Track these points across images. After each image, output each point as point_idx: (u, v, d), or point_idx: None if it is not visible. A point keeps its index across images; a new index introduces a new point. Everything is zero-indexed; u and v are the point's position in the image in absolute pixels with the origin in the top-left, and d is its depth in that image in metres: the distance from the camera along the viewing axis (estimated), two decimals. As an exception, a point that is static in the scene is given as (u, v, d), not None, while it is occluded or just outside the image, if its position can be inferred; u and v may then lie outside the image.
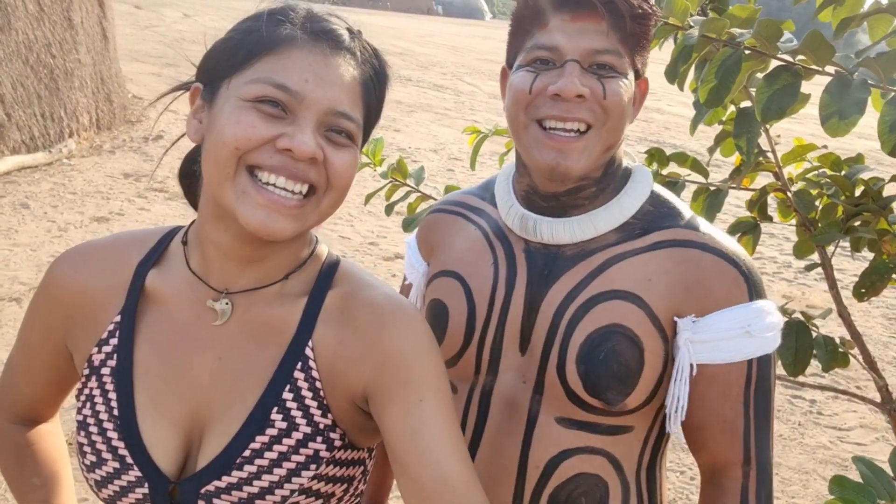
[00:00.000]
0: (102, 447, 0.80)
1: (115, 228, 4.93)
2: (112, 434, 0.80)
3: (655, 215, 0.96)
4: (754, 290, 0.91)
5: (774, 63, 1.16)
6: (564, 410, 0.95)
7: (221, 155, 0.73)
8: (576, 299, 0.93)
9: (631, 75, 0.93)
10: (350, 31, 0.79)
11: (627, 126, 0.95)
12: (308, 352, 0.80)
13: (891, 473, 1.07)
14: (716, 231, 0.95)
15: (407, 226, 1.58)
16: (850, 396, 1.56)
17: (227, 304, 0.80)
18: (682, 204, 0.99)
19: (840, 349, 1.44)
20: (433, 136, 8.90)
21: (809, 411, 3.44)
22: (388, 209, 1.65)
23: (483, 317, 0.99)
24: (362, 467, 0.87)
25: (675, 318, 0.91)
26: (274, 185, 0.73)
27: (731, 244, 0.94)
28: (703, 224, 0.96)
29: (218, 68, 0.78)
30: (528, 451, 0.96)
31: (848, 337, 1.55)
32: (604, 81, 0.89)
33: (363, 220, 5.63)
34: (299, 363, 0.80)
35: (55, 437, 0.98)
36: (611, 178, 0.97)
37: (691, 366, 0.91)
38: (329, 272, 0.84)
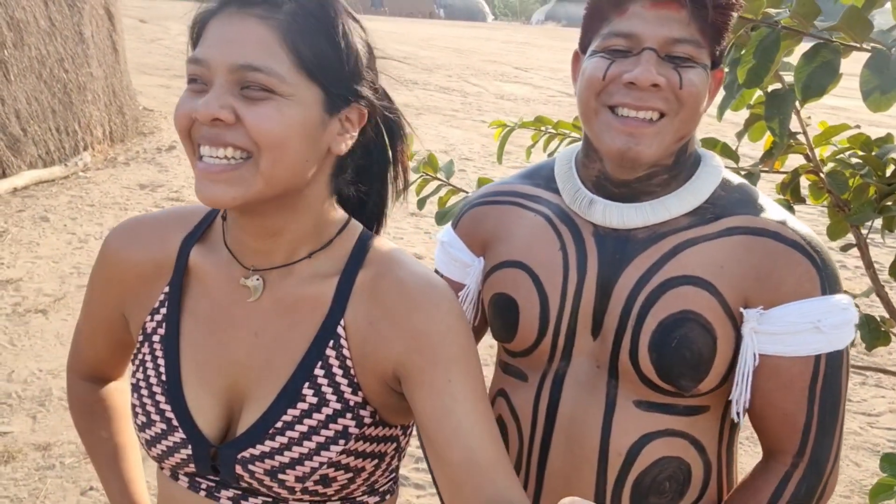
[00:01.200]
0: (152, 409, 0.85)
1: (134, 239, 4.96)
2: (160, 398, 0.84)
3: (728, 200, 0.94)
4: (828, 284, 0.89)
5: (807, 42, 1.16)
6: (641, 393, 0.94)
7: (181, 139, 0.76)
8: (648, 283, 0.92)
9: (709, 66, 0.91)
10: None
11: (702, 116, 0.93)
12: (340, 330, 0.81)
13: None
14: (791, 219, 0.93)
15: (440, 219, 1.59)
16: (888, 374, 1.55)
17: (258, 280, 0.83)
18: (755, 190, 0.97)
19: (882, 328, 1.44)
20: (442, 137, 8.91)
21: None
22: (421, 203, 1.65)
23: (557, 306, 0.97)
24: (395, 444, 0.88)
25: (741, 309, 0.90)
26: (205, 156, 0.75)
27: (807, 234, 0.91)
28: (777, 211, 0.93)
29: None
30: (608, 437, 0.94)
31: (886, 315, 1.55)
32: (680, 71, 0.87)
33: (379, 223, 5.64)
34: (331, 341, 0.81)
35: (123, 394, 1.04)
36: (682, 166, 0.95)
37: (754, 356, 0.89)
38: (361, 251, 0.85)
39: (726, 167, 1.62)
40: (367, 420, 0.83)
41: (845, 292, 1.50)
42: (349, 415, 0.81)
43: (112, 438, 1.00)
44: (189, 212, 0.91)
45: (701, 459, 0.95)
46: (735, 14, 0.89)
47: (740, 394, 0.91)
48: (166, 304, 0.87)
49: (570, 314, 0.96)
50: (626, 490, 0.95)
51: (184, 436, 0.83)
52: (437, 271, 1.12)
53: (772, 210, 0.93)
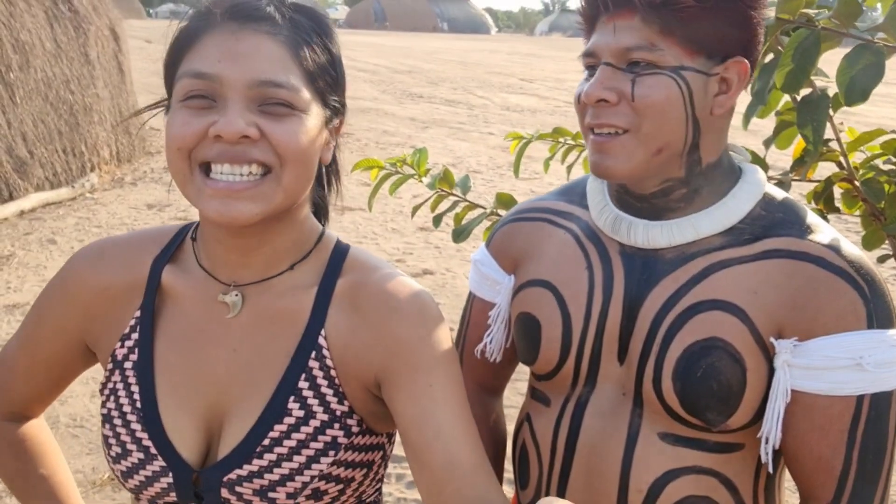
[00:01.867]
0: (127, 438, 0.82)
1: (142, 259, 4.92)
2: (136, 426, 0.82)
3: (769, 220, 0.87)
4: (876, 318, 0.80)
5: (847, 43, 1.10)
6: (667, 426, 0.87)
7: (172, 159, 0.75)
8: (675, 307, 0.86)
9: (694, 65, 0.83)
10: (270, 2, 0.76)
11: (691, 120, 0.84)
12: (321, 340, 0.81)
13: None
14: (842, 243, 0.84)
15: (457, 236, 1.52)
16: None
17: (236, 296, 0.82)
18: (802, 209, 0.89)
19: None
20: (450, 150, 8.87)
21: None
22: (437, 220, 1.59)
23: (580, 327, 0.92)
24: (382, 452, 0.88)
25: (773, 340, 0.82)
26: (222, 173, 0.73)
27: (857, 260, 0.83)
28: (826, 234, 0.85)
29: (166, 83, 0.79)
30: (628, 471, 0.88)
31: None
32: (637, 80, 0.82)
33: (388, 238, 5.59)
34: (313, 352, 0.81)
35: (46, 430, 0.99)
36: (704, 179, 0.88)
37: (787, 391, 0.82)
38: (338, 260, 0.85)
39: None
40: (355, 429, 0.82)
41: None
42: (337, 425, 0.81)
43: (52, 476, 0.95)
44: (157, 233, 0.90)
45: (734, 501, 0.87)
46: (714, 4, 0.81)
47: (769, 431, 0.83)
48: (138, 329, 0.85)
49: (594, 336, 0.91)
50: None
51: (163, 463, 0.80)
52: (471, 292, 1.09)
53: (820, 232, 0.85)
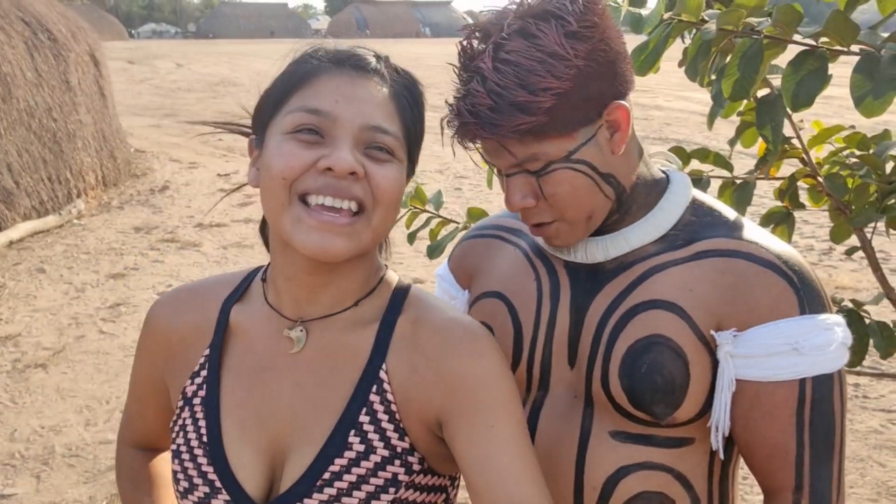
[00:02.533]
0: (193, 473, 0.84)
1: (132, 284, 4.93)
2: (202, 460, 0.84)
3: (698, 225, 0.92)
4: (808, 304, 0.84)
5: (793, 49, 1.12)
6: (617, 424, 0.90)
7: (273, 188, 0.77)
8: (617, 309, 0.90)
9: (581, 137, 0.85)
10: (376, 55, 0.82)
11: (598, 184, 0.88)
12: (382, 375, 0.81)
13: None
14: (766, 237, 0.89)
15: (431, 252, 1.55)
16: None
17: (301, 331, 0.84)
18: (729, 210, 0.94)
19: (895, 333, 1.39)
20: (436, 156, 8.90)
21: (855, 395, 3.35)
22: (411, 238, 1.61)
23: (530, 334, 0.96)
24: (445, 495, 0.86)
25: (712, 332, 0.86)
26: (322, 205, 0.76)
27: (783, 252, 0.87)
28: (750, 230, 0.90)
29: (261, 116, 0.83)
30: (583, 470, 0.91)
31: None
32: (541, 181, 0.86)
33: (377, 249, 5.61)
34: (374, 386, 0.81)
35: (167, 463, 1.03)
36: (632, 200, 0.92)
37: (731, 381, 0.85)
38: (399, 298, 0.86)
39: (721, 177, 1.59)
40: (416, 467, 0.81)
41: (853, 303, 1.46)
42: (398, 461, 0.80)
43: (159, 496, 0.99)
44: (229, 276, 0.94)
45: (688, 495, 0.90)
46: (555, 97, 0.82)
47: (718, 419, 0.86)
48: (206, 367, 0.88)
49: (544, 342, 0.95)
50: None
51: (228, 497, 0.81)
52: None
53: (746, 230, 0.90)
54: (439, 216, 1.63)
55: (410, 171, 0.85)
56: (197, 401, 0.87)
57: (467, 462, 0.76)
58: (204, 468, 0.83)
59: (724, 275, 0.86)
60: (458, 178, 7.91)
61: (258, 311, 0.87)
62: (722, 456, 0.90)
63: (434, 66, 23.15)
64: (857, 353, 1.37)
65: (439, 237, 1.61)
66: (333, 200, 0.75)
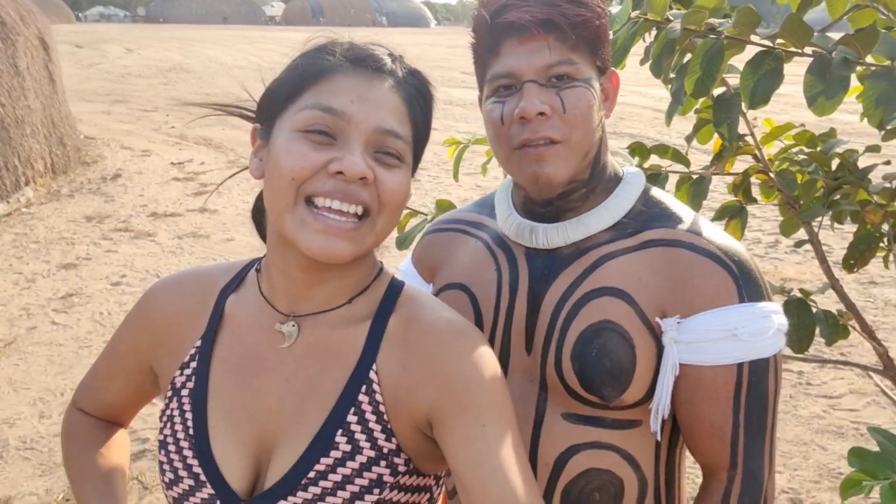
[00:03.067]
0: (179, 465, 0.83)
1: (84, 274, 4.83)
2: (187, 453, 0.83)
3: (648, 215, 0.97)
4: (746, 292, 0.90)
5: (751, 49, 1.18)
6: (569, 406, 0.95)
7: (280, 186, 0.76)
8: (571, 297, 0.95)
9: (594, 77, 0.94)
10: (391, 55, 0.82)
11: (600, 124, 0.96)
12: (372, 375, 0.81)
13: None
14: (709, 229, 0.94)
15: (401, 243, 1.57)
16: (851, 367, 1.58)
17: (293, 326, 0.83)
18: (677, 204, 0.99)
19: (839, 322, 1.47)
20: (395, 147, 8.88)
21: (799, 382, 3.49)
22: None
23: (490, 322, 1.00)
24: (428, 495, 0.87)
25: (657, 319, 0.92)
26: (329, 208, 0.76)
27: (724, 243, 0.93)
28: (694, 222, 0.95)
29: (270, 107, 0.82)
30: (537, 448, 0.97)
31: (843, 308, 1.58)
32: (562, 94, 0.91)
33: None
34: (364, 386, 0.81)
35: (123, 437, 1.03)
36: (599, 179, 0.98)
37: (675, 365, 0.91)
38: (392, 296, 0.86)
39: (678, 172, 1.65)
40: (402, 468, 0.81)
41: (801, 293, 1.54)
42: (383, 462, 0.80)
43: (108, 459, 0.97)
44: (230, 265, 0.94)
45: (636, 476, 0.95)
46: (599, 23, 0.93)
47: (660, 401, 0.92)
48: (197, 357, 0.87)
49: (503, 331, 1.00)
50: (555, 499, 0.96)
51: (212, 491, 0.81)
52: None
53: (689, 222, 0.95)
54: (407, 207, 1.65)
55: (415, 170, 0.86)
56: (185, 392, 0.86)
57: (459, 460, 0.76)
58: (189, 461, 0.83)
59: (668, 264, 0.92)
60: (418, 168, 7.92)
61: (252, 302, 0.87)
62: (659, 437, 0.95)
63: (391, 56, 22.98)
64: (804, 340, 1.44)
65: (407, 228, 1.64)
66: (341, 204, 0.75)
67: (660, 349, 0.92)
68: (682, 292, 0.91)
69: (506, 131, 0.93)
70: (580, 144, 0.92)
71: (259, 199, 0.92)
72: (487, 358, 0.81)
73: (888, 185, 1.51)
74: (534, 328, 0.98)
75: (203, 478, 0.81)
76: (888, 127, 1.05)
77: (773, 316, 0.90)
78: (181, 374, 0.87)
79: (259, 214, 0.93)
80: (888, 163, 1.58)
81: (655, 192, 1.01)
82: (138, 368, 0.94)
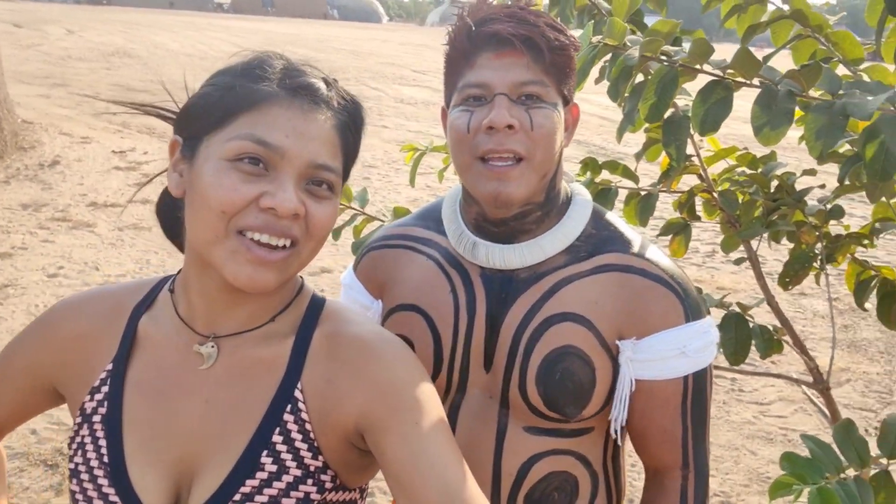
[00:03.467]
0: (94, 494, 0.81)
1: (19, 264, 4.66)
2: (103, 481, 0.81)
3: (598, 238, 1.02)
4: (690, 312, 0.98)
5: (703, 77, 1.24)
6: (530, 421, 1.01)
7: (209, 219, 0.75)
8: (531, 321, 0.99)
9: (560, 104, 0.98)
10: (326, 81, 0.82)
11: (560, 150, 1.00)
12: (297, 393, 0.81)
13: (836, 448, 1.16)
14: (654, 253, 1.01)
15: (356, 248, 1.58)
16: (787, 380, 1.66)
17: (212, 347, 0.82)
18: (622, 224, 1.05)
19: (774, 336, 1.55)
20: (344, 144, 8.82)
21: (731, 389, 3.63)
22: (336, 234, 1.64)
23: (449, 345, 1.03)
24: None
25: (617, 341, 0.99)
26: (259, 242, 0.75)
27: (669, 267, 1.00)
28: (642, 246, 1.02)
29: (197, 125, 0.79)
30: (500, 459, 1.02)
31: (776, 323, 1.67)
32: (531, 112, 0.94)
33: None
34: (288, 405, 0.81)
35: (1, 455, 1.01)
36: (553, 204, 1.02)
37: (631, 381, 0.99)
38: (314, 311, 0.86)
39: (627, 188, 1.71)
40: (328, 485, 0.82)
41: (739, 307, 1.61)
42: (310, 481, 0.80)
43: None
44: (138, 284, 0.91)
45: (588, 472, 1.04)
46: (572, 53, 0.98)
47: (618, 413, 1.00)
48: (108, 382, 0.84)
49: (462, 352, 1.03)
50: (518, 502, 1.03)
51: None
52: None
53: (638, 245, 1.02)
54: (364, 213, 1.67)
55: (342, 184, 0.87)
56: (97, 418, 0.83)
57: (397, 460, 0.77)
58: (105, 489, 0.80)
59: (622, 288, 0.99)
60: (367, 167, 7.89)
61: (167, 323, 0.85)
62: (619, 442, 1.05)
63: (341, 49, 22.84)
64: (741, 353, 1.52)
65: (363, 234, 1.66)
66: (270, 238, 0.75)
67: (615, 366, 1.00)
68: (636, 315, 0.98)
69: (470, 140, 0.95)
70: (542, 164, 0.96)
71: (165, 195, 0.90)
72: (413, 362, 0.83)
73: (822, 207, 1.60)
74: (493, 348, 1.02)
75: None
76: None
77: (711, 331, 1.00)
78: (91, 400, 0.84)
79: (166, 209, 0.90)
80: (823, 186, 1.68)
81: (602, 212, 1.06)
82: (33, 388, 0.90)
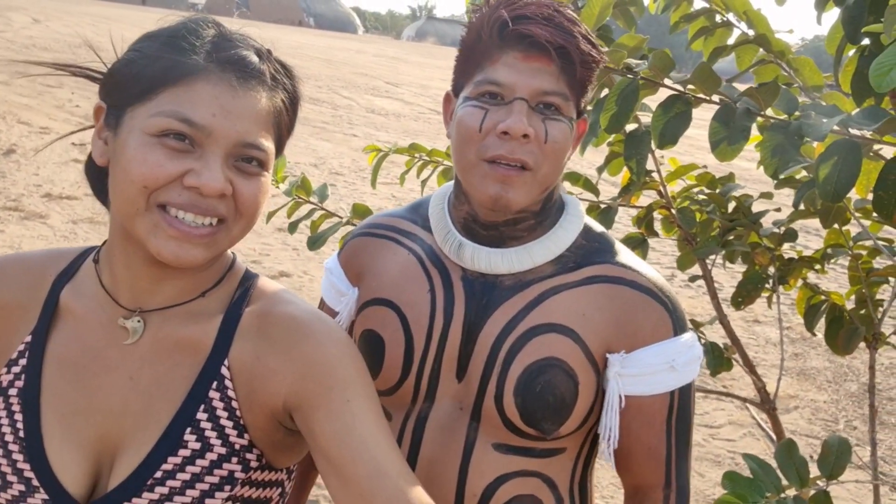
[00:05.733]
0: (8, 469, 0.78)
1: (-35, 251, 4.51)
2: (17, 456, 0.78)
3: (588, 249, 0.99)
4: (678, 325, 0.96)
5: (664, 91, 1.25)
6: (501, 437, 0.96)
7: (130, 192, 0.73)
8: (514, 331, 0.95)
9: (574, 118, 0.94)
10: (259, 53, 0.78)
11: (565, 164, 0.97)
12: (224, 371, 0.79)
13: (777, 469, 1.16)
14: (643, 266, 0.99)
15: (312, 244, 1.56)
16: (731, 398, 1.68)
17: (138, 321, 0.80)
18: (612, 238, 1.03)
19: (724, 355, 1.56)
20: (312, 150, 8.77)
21: (683, 411, 3.67)
22: (293, 227, 1.61)
23: (421, 348, 0.98)
24: (280, 489, 0.87)
25: (607, 355, 0.95)
26: (183, 219, 0.73)
27: (658, 279, 0.98)
28: (632, 259, 0.99)
29: (121, 94, 0.76)
30: (465, 478, 0.97)
31: (728, 342, 1.68)
32: (547, 124, 0.90)
33: (245, 238, 5.45)
34: (214, 382, 0.79)
35: None
36: (548, 212, 0.99)
37: (621, 398, 0.95)
38: (246, 289, 0.84)
39: (588, 201, 1.72)
40: (254, 464, 0.80)
41: (692, 324, 1.62)
42: (235, 459, 0.79)
43: None
44: (60, 252, 0.87)
45: (553, 497, 0.99)
46: (598, 68, 0.94)
47: (610, 432, 0.96)
48: (26, 355, 0.81)
49: (434, 356, 0.98)
50: None
51: (45, 496, 0.76)
52: (322, 299, 1.13)
53: (627, 258, 0.99)
54: (322, 208, 1.64)
55: (276, 156, 0.83)
56: (13, 392, 0.80)
57: (327, 437, 0.75)
58: (20, 465, 0.78)
59: (611, 300, 0.95)
60: (333, 173, 7.85)
61: (90, 296, 0.82)
62: (614, 468, 1.00)
63: (315, 57, 22.76)
64: (692, 369, 1.52)
65: (320, 229, 1.63)
66: (195, 218, 0.73)
67: (598, 383, 0.96)
68: (626, 328, 0.95)
69: (479, 140, 0.91)
70: (546, 177, 0.93)
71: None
72: (345, 341, 0.81)
73: (777, 230, 1.63)
74: (468, 357, 0.97)
75: (35, 482, 0.77)
76: (781, 176, 1.13)
77: (696, 344, 0.98)
78: (8, 373, 0.81)
79: (96, 170, 0.85)
80: (779, 210, 1.70)
81: (592, 223, 1.03)
82: None
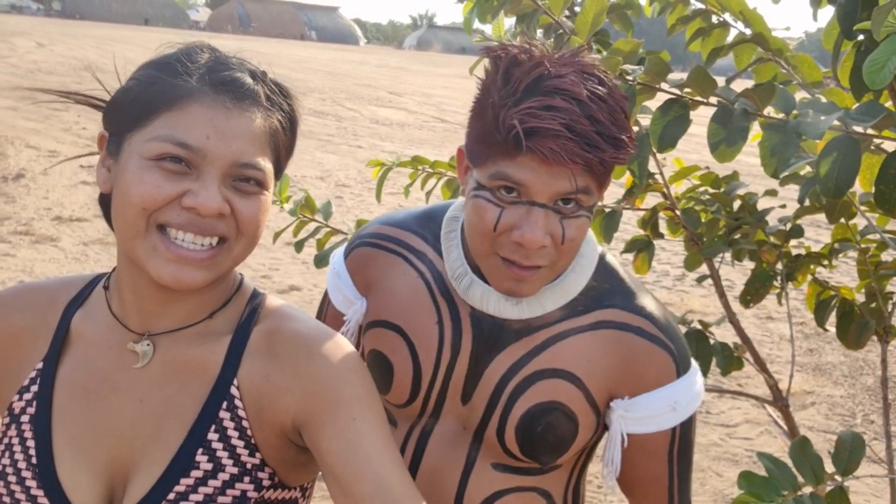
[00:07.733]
0: (21, 496, 0.79)
1: (-21, 277, 4.56)
2: (31, 483, 0.79)
3: (599, 291, 0.98)
4: (682, 367, 0.97)
5: (661, 95, 1.25)
6: (501, 459, 1.00)
7: (129, 214, 0.74)
8: (518, 372, 0.97)
9: (596, 201, 0.90)
10: (254, 75, 0.79)
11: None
12: (233, 390, 0.80)
13: (792, 467, 1.16)
14: (649, 306, 0.98)
15: (318, 262, 1.57)
16: (746, 397, 1.67)
17: (148, 345, 0.80)
18: (622, 275, 1.01)
19: (734, 353, 1.56)
20: (318, 163, 8.82)
21: (699, 411, 3.64)
22: (299, 246, 1.62)
23: (429, 376, 1.01)
24: None
25: (611, 404, 0.98)
26: (183, 240, 0.74)
27: (662, 322, 0.97)
28: (639, 301, 0.98)
29: (120, 121, 0.77)
30: (464, 492, 1.01)
31: (738, 341, 1.68)
32: (565, 223, 0.87)
33: (254, 253, 5.46)
34: (224, 402, 0.80)
35: None
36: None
37: (623, 437, 0.99)
38: (254, 309, 0.85)
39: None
40: (266, 483, 0.81)
41: (700, 325, 1.62)
42: (247, 478, 0.79)
43: None
44: (74, 278, 0.88)
45: None
46: (626, 158, 0.88)
47: (612, 465, 1.00)
48: (38, 381, 0.82)
49: (441, 383, 1.01)
50: None
51: None
52: (327, 295, 1.14)
53: (637, 300, 0.98)
54: (328, 226, 1.65)
55: (277, 176, 0.83)
56: (25, 418, 0.81)
57: (332, 454, 0.76)
58: (33, 491, 0.78)
59: (617, 347, 0.96)
60: (340, 186, 7.88)
61: (100, 321, 0.83)
62: (617, 492, 1.04)
63: (318, 70, 22.90)
64: (702, 370, 1.52)
65: (327, 247, 1.64)
66: (195, 238, 0.74)
67: (598, 422, 0.99)
68: (630, 375, 0.96)
69: (494, 237, 0.88)
70: (561, 267, 0.92)
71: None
72: (353, 357, 0.82)
73: (783, 227, 1.63)
74: (474, 387, 0.99)
75: None
76: (781, 175, 1.13)
77: (697, 378, 1.00)
78: (20, 399, 0.82)
79: (108, 199, 0.86)
80: (784, 206, 1.70)
81: (605, 258, 1.01)
82: None
